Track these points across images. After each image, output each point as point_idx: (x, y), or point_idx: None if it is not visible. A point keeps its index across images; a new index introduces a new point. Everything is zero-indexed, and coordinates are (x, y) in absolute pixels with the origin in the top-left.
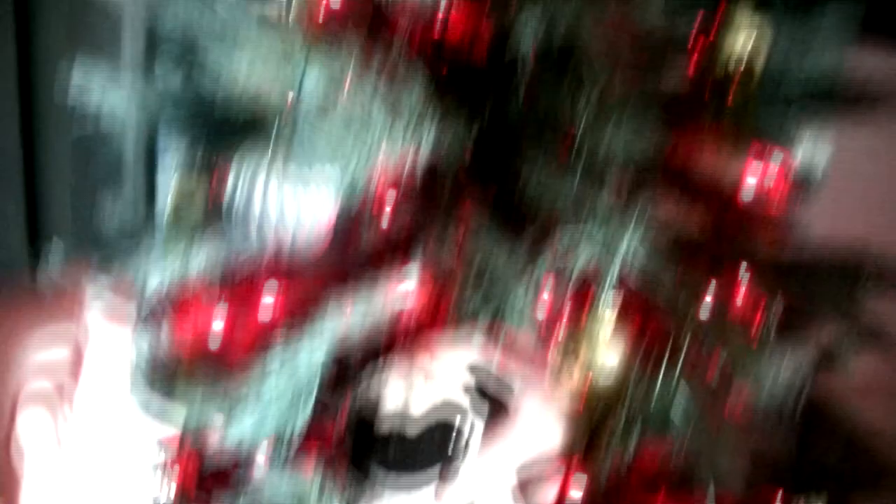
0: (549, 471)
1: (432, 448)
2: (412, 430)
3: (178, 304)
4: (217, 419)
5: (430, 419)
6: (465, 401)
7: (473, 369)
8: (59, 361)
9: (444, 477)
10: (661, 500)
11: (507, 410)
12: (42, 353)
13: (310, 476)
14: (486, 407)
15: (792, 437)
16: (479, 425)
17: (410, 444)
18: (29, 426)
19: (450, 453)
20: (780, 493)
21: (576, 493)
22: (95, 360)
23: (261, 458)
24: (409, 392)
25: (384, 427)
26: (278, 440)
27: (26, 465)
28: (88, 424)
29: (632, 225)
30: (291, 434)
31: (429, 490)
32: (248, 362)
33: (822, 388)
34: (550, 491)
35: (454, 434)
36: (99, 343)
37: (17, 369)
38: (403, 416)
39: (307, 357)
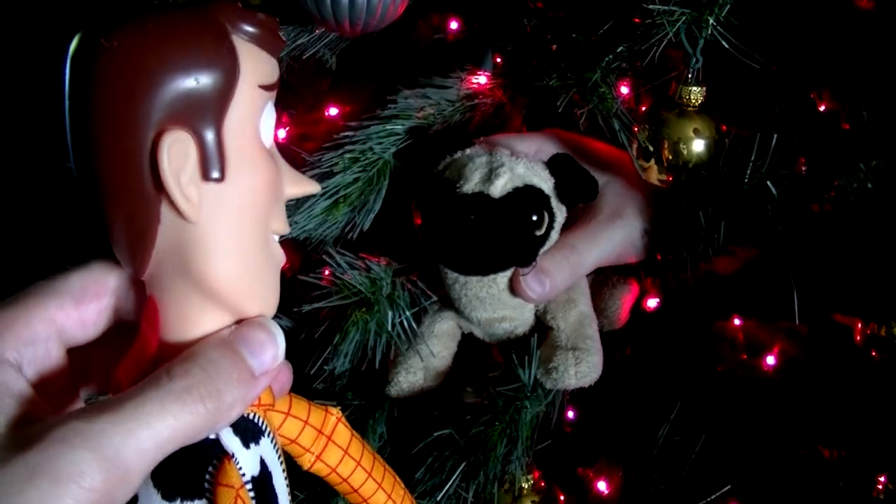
0: (625, 279)
1: (515, 218)
2: (495, 192)
3: None
4: None
5: (514, 185)
6: (547, 188)
7: (556, 162)
8: None
9: (523, 259)
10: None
11: (586, 206)
12: None
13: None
14: (568, 199)
15: None
16: (561, 215)
17: (493, 207)
18: None
19: (532, 228)
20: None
21: (652, 302)
22: None
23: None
24: (491, 173)
25: (466, 188)
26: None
27: None
28: None
29: None
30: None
31: (505, 276)
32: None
33: None
34: (626, 298)
35: (539, 204)
36: None
37: None
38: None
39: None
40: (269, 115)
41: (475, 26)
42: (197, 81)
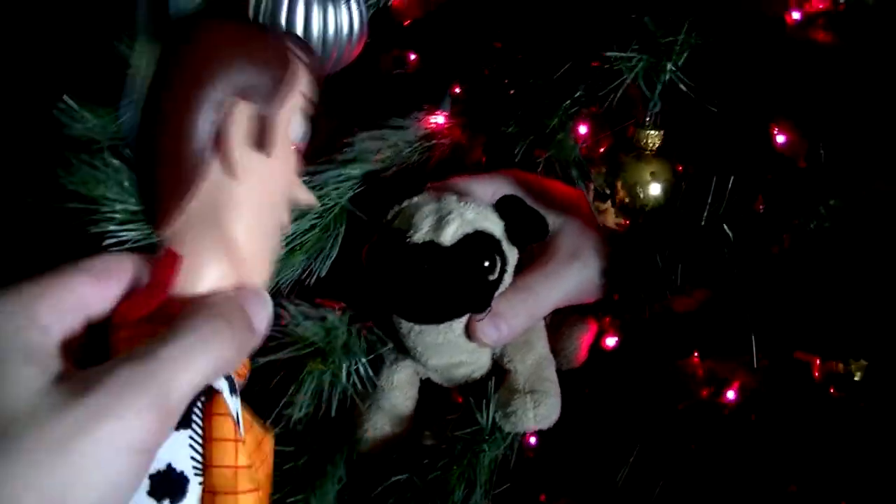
0: (583, 318)
1: (467, 264)
2: (446, 239)
3: None
4: None
5: (464, 231)
6: (498, 231)
7: (505, 204)
8: None
9: (478, 305)
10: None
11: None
12: None
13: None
14: (519, 241)
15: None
16: (514, 257)
17: (444, 255)
18: None
19: (485, 273)
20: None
21: (610, 341)
22: None
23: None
24: (441, 220)
25: (416, 237)
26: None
27: None
28: None
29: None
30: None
31: (460, 322)
32: None
33: None
34: (584, 337)
35: (491, 249)
36: None
37: None
38: (434, 238)
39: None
40: (299, 121)
41: (433, 65)
42: (266, 73)
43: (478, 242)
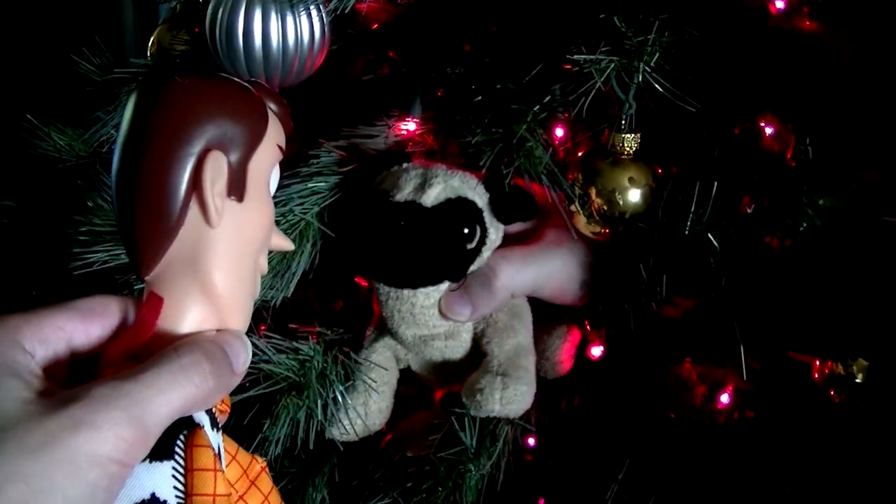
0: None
1: (445, 228)
2: (427, 201)
3: None
4: None
5: (447, 196)
6: (482, 203)
7: (493, 178)
8: None
9: (452, 273)
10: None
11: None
12: None
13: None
14: (504, 215)
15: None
16: (496, 233)
17: (424, 215)
18: None
19: (463, 240)
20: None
21: (596, 350)
22: None
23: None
24: (425, 183)
25: (398, 196)
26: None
27: None
28: None
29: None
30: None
31: (436, 292)
32: None
33: None
34: (566, 340)
35: (472, 217)
36: None
37: None
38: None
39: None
40: (276, 171)
41: (402, 70)
42: (238, 124)
43: (459, 208)
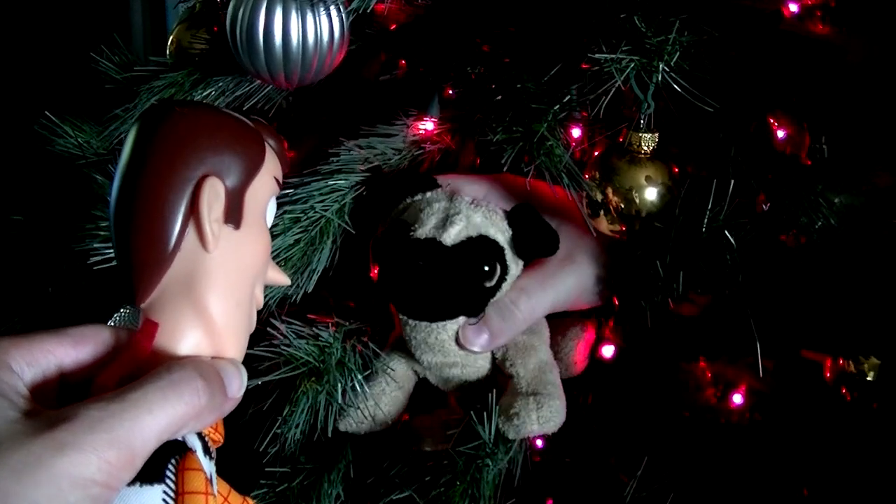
0: (578, 323)
1: (465, 267)
2: (448, 239)
3: None
4: None
5: (468, 234)
6: (503, 239)
7: (517, 214)
8: None
9: (470, 309)
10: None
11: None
12: None
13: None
14: (526, 253)
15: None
16: (517, 267)
17: (443, 254)
18: None
19: (482, 279)
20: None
21: (608, 350)
22: None
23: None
24: (447, 219)
25: (419, 232)
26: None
27: None
28: None
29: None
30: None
31: (454, 324)
32: None
33: None
34: (580, 340)
35: (491, 255)
36: None
37: None
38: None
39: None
40: (273, 203)
41: (420, 70)
42: (236, 153)
43: (479, 247)
